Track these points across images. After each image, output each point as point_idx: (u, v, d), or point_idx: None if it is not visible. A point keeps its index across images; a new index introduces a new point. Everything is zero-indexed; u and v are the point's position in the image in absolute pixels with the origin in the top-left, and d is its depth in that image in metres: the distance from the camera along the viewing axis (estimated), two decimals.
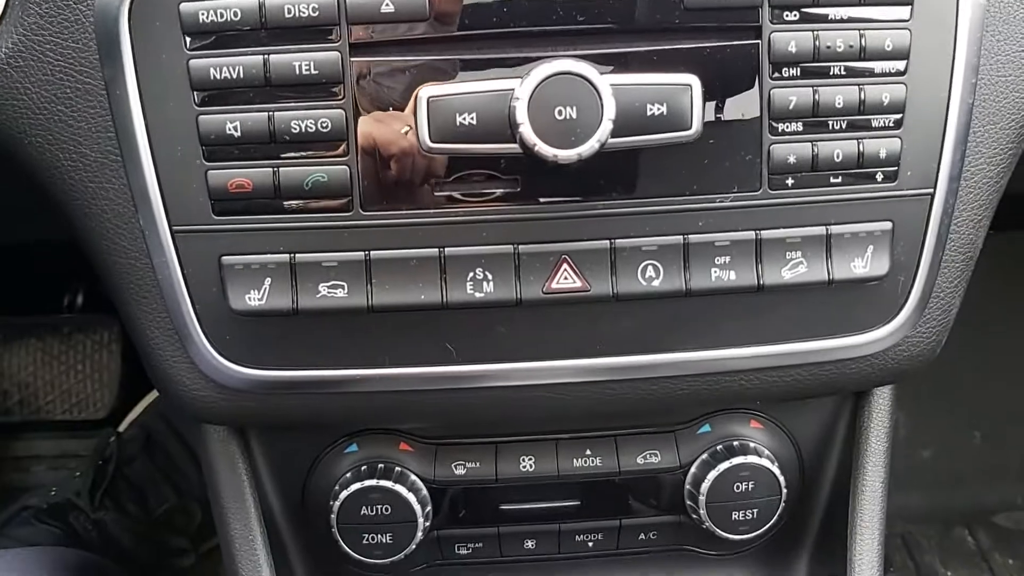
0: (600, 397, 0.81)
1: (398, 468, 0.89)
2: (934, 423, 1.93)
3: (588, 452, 0.90)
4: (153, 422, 1.72)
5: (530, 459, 0.90)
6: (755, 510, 0.89)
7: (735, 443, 0.90)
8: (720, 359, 0.79)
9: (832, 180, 0.75)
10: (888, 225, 0.77)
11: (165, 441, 1.69)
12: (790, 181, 0.75)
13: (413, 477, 0.89)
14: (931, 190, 0.77)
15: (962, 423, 1.93)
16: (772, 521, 0.91)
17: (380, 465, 0.89)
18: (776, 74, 0.73)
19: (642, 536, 0.94)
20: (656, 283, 0.76)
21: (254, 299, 0.75)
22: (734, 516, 0.89)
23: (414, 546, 0.89)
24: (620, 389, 0.81)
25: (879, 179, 0.76)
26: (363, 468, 0.89)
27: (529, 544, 0.94)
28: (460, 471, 0.90)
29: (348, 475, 0.89)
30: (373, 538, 0.88)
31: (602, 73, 0.68)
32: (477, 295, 0.75)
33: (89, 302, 1.92)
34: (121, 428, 1.74)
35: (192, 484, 1.66)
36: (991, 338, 1.93)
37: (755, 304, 0.78)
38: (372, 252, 0.74)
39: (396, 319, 0.77)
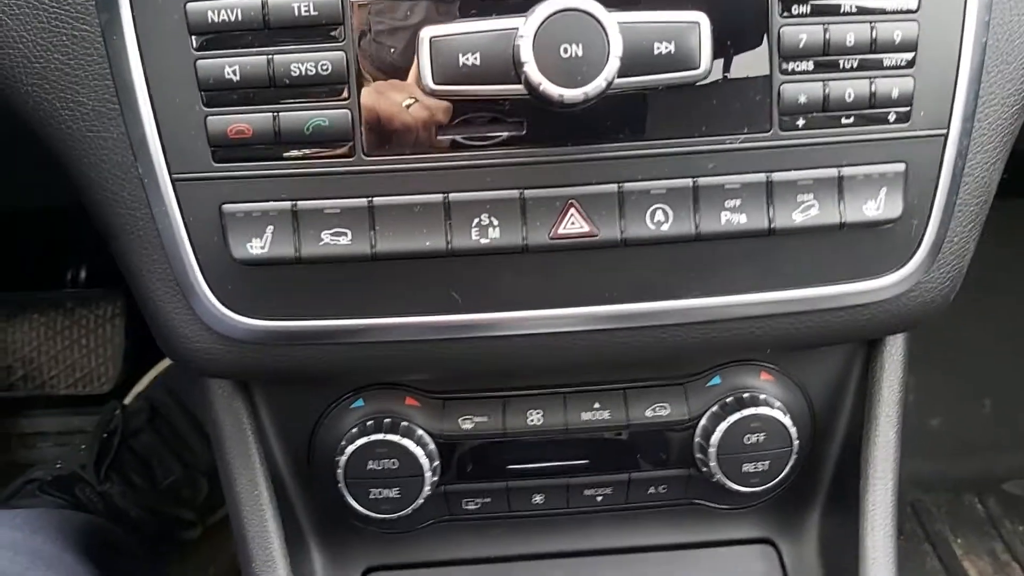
0: (608, 346, 0.80)
1: (405, 422, 0.88)
2: (944, 391, 1.92)
3: (597, 405, 0.89)
4: (158, 395, 1.71)
5: (538, 413, 0.89)
6: (766, 462, 0.88)
7: (745, 395, 0.89)
8: (730, 305, 0.78)
9: (844, 121, 0.74)
10: (901, 167, 0.75)
11: (170, 414, 1.68)
12: (801, 122, 0.74)
13: (420, 431, 0.88)
14: (944, 131, 0.76)
15: (972, 392, 1.93)
16: (783, 474, 0.90)
17: (387, 420, 0.88)
18: (785, 12, 0.71)
19: (651, 490, 0.93)
20: (665, 227, 0.74)
21: (256, 247, 0.74)
22: (745, 468, 0.88)
23: (421, 500, 0.88)
24: (629, 338, 0.79)
25: (891, 120, 0.74)
26: (369, 423, 0.88)
27: (537, 499, 0.93)
28: (467, 425, 0.89)
29: (354, 430, 0.88)
30: (380, 492, 0.87)
31: (609, 10, 0.67)
32: (482, 241, 0.74)
33: (92, 277, 1.91)
34: (126, 401, 1.73)
35: (198, 458, 1.65)
36: (1001, 307, 1.92)
37: (766, 249, 0.77)
38: (375, 198, 0.73)
39: (400, 267, 0.75)
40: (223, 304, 0.77)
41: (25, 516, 0.97)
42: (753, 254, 0.77)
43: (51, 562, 0.92)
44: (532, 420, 0.89)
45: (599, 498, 0.93)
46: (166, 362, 1.77)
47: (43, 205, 1.53)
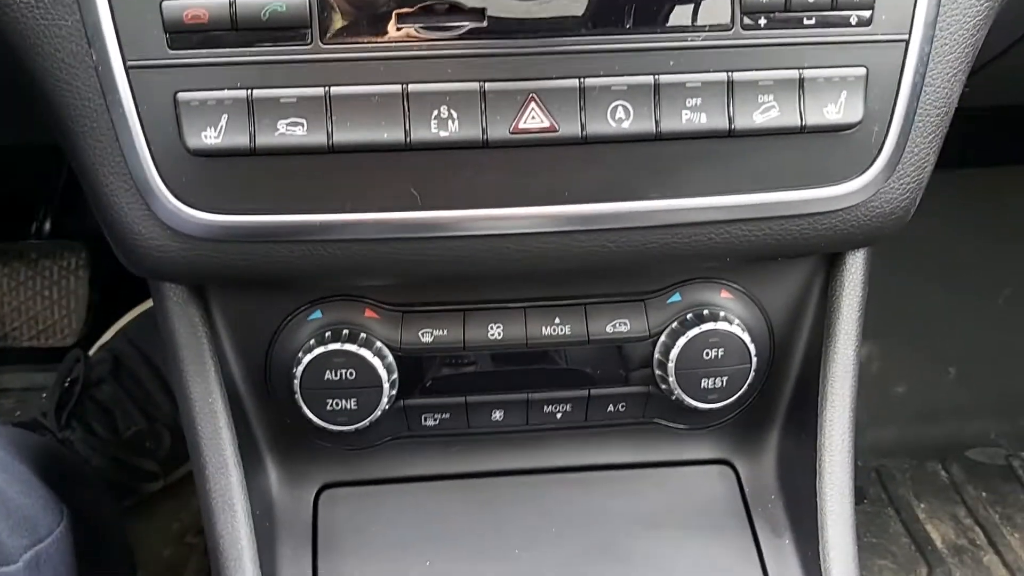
0: (567, 250, 0.79)
1: (363, 334, 0.87)
2: (909, 359, 1.93)
3: (557, 320, 0.89)
4: (122, 347, 1.69)
5: (498, 327, 0.89)
6: (724, 378, 0.88)
7: (705, 311, 0.89)
8: (689, 208, 0.78)
9: (805, 22, 0.74)
10: (862, 71, 0.76)
11: (134, 366, 1.66)
12: (763, 21, 0.74)
13: (379, 343, 0.87)
14: (906, 36, 0.76)
15: (937, 359, 1.94)
16: (741, 391, 0.90)
17: (345, 331, 0.87)
18: None
19: (610, 408, 0.93)
20: (626, 124, 0.74)
21: (210, 137, 0.73)
22: (703, 384, 0.88)
23: (379, 413, 0.87)
24: (588, 241, 0.79)
25: (853, 22, 0.75)
26: (327, 333, 0.87)
27: (497, 416, 0.93)
28: (427, 338, 0.88)
29: (312, 341, 0.87)
30: (337, 403, 0.87)
31: None
32: (442, 134, 0.73)
33: (57, 228, 1.89)
34: (90, 353, 1.71)
35: (161, 411, 1.63)
36: (966, 275, 1.94)
37: (726, 152, 0.77)
38: (332, 87, 0.72)
39: (359, 161, 0.75)
40: (177, 198, 0.76)
41: None
42: (714, 157, 0.77)
43: (3, 464, 0.90)
44: (492, 334, 0.89)
45: (558, 415, 0.93)
46: (131, 315, 1.75)
47: (4, 145, 1.51)
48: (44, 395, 1.63)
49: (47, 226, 1.88)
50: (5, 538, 0.83)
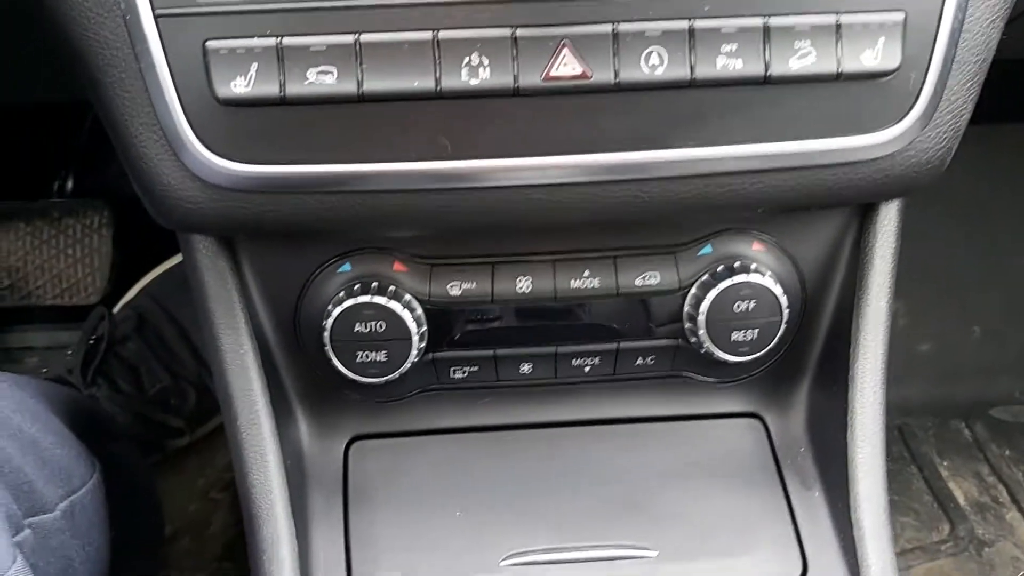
0: (599, 201, 0.78)
1: (392, 287, 0.87)
2: (934, 317, 1.92)
3: (586, 273, 0.88)
4: (146, 304, 1.70)
5: (527, 279, 0.88)
6: (755, 331, 0.88)
7: (736, 263, 0.88)
8: (723, 157, 0.77)
9: None
10: (900, 15, 0.74)
11: (158, 324, 1.67)
12: None
13: (408, 296, 0.87)
14: None
15: (962, 318, 1.93)
16: (772, 344, 0.89)
17: (374, 283, 0.86)
18: None
19: (639, 361, 0.93)
20: (660, 71, 0.73)
21: (240, 86, 0.72)
22: (734, 337, 0.88)
23: (408, 366, 0.87)
24: (620, 191, 0.78)
25: None
26: (356, 286, 0.86)
27: (525, 368, 0.92)
28: (455, 291, 0.88)
29: (341, 293, 0.87)
30: (367, 356, 0.87)
31: None
32: (472, 82, 0.72)
33: (79, 187, 1.89)
34: (114, 311, 1.72)
35: (186, 367, 1.64)
36: (993, 233, 1.92)
37: (761, 99, 0.75)
38: (362, 35, 0.71)
39: (389, 110, 0.74)
40: (206, 148, 0.75)
41: (10, 377, 0.96)
42: (749, 104, 0.75)
43: (36, 415, 0.90)
44: (521, 287, 0.88)
45: (587, 369, 0.93)
46: (154, 273, 1.75)
47: (28, 103, 1.51)
48: (69, 353, 1.64)
49: (69, 184, 1.88)
50: (42, 487, 0.84)
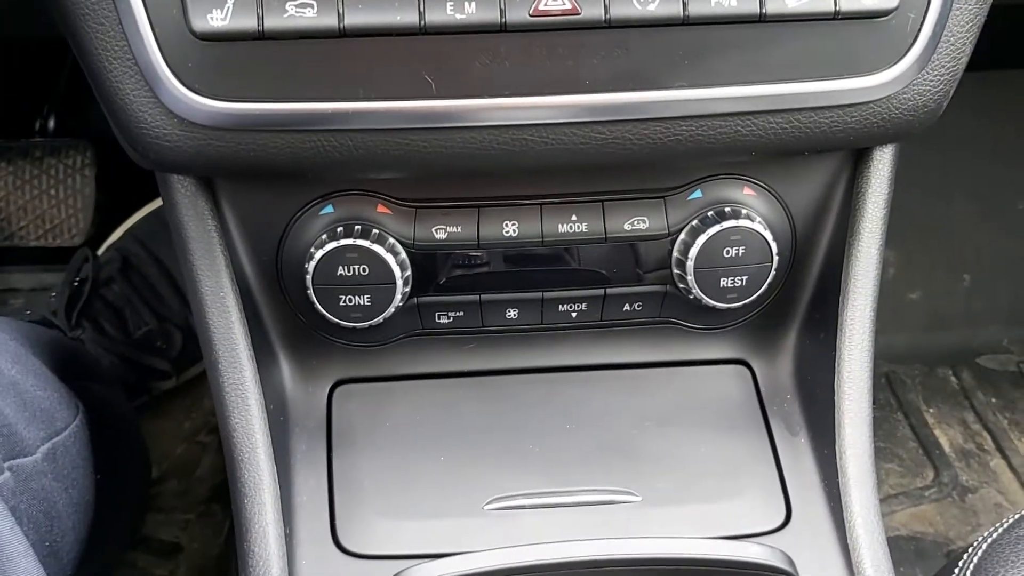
0: (588, 143, 0.76)
1: (376, 230, 0.85)
2: (923, 266, 1.91)
3: (573, 217, 0.87)
4: (130, 247, 1.67)
5: (513, 223, 0.87)
6: (744, 277, 0.87)
7: (726, 208, 0.86)
8: (716, 98, 0.75)
9: None
10: None
11: (143, 266, 1.65)
12: None
13: (392, 239, 0.85)
14: None
15: (951, 266, 1.92)
16: (761, 290, 0.88)
17: (357, 226, 0.85)
18: None
19: (626, 307, 0.92)
20: (652, 7, 0.71)
21: (217, 19, 0.70)
22: (722, 283, 0.87)
23: (392, 310, 0.86)
24: (609, 133, 0.76)
25: None
26: (339, 229, 0.85)
27: (511, 314, 0.91)
28: (441, 235, 0.86)
29: (324, 236, 0.85)
30: (350, 300, 0.85)
31: None
32: (458, 16, 0.70)
33: (60, 127, 1.85)
34: (98, 253, 1.70)
35: (172, 310, 1.63)
36: (984, 182, 1.91)
37: (756, 39, 0.73)
38: None
39: (371, 46, 0.72)
40: (184, 84, 0.73)
41: None
42: (743, 44, 0.73)
43: (16, 357, 0.89)
44: (507, 231, 0.87)
45: (574, 314, 0.92)
46: (138, 215, 1.73)
47: (7, 39, 1.47)
48: (53, 295, 1.63)
49: (51, 124, 1.85)
50: (22, 429, 0.83)
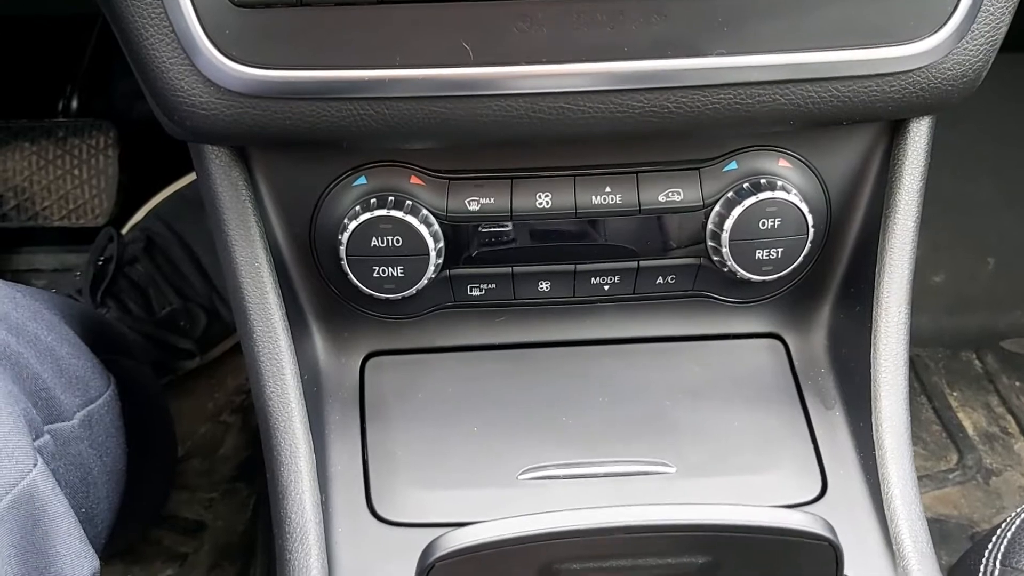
0: (624, 111, 0.76)
1: (409, 201, 0.85)
2: (948, 248, 1.90)
3: (607, 189, 0.86)
4: (154, 226, 1.68)
5: (546, 195, 0.86)
6: (779, 249, 0.86)
7: (762, 180, 0.86)
8: (755, 66, 0.74)
9: None
10: None
11: (167, 246, 1.65)
12: None
13: (425, 211, 0.85)
14: None
15: (976, 249, 1.91)
16: (796, 263, 0.87)
17: (390, 197, 0.85)
18: None
19: (659, 280, 0.91)
20: None
21: None
22: (757, 255, 0.86)
23: (425, 282, 0.86)
24: (647, 101, 0.76)
25: None
26: (372, 200, 0.85)
27: (544, 287, 0.91)
28: (473, 206, 0.86)
29: (357, 207, 0.85)
30: (384, 271, 0.85)
31: None
32: None
33: (84, 107, 1.86)
34: (123, 232, 1.71)
35: (196, 290, 1.63)
36: (1009, 164, 1.89)
37: (796, 6, 0.73)
38: None
39: (409, 13, 0.72)
40: (221, 52, 0.73)
41: (26, 289, 0.94)
42: (783, 11, 0.73)
43: (51, 325, 0.89)
44: (540, 202, 0.86)
45: (606, 287, 0.91)
46: (161, 196, 1.73)
47: (32, 16, 1.47)
48: (77, 275, 1.63)
49: (74, 104, 1.85)
50: (60, 394, 0.84)
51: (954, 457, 1.68)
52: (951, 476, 1.65)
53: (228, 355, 1.72)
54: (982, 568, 0.83)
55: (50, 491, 0.72)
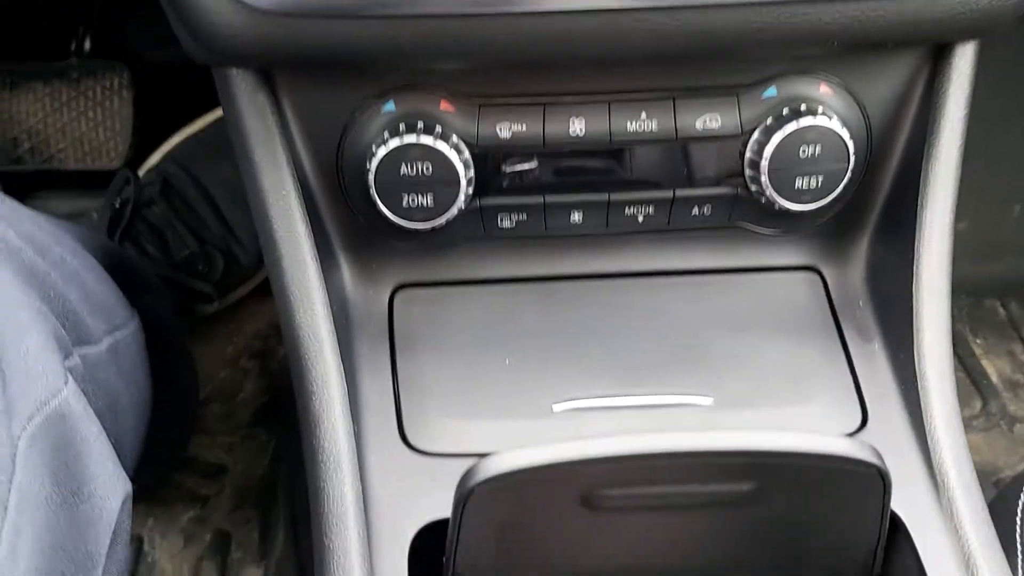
0: (663, 30, 0.73)
1: (439, 127, 0.82)
2: (973, 195, 1.86)
3: (643, 115, 0.84)
4: (171, 169, 1.66)
5: (580, 121, 0.84)
6: (819, 177, 0.84)
7: (802, 106, 0.83)
8: None
9: None
10: None
11: (183, 188, 1.63)
12: None
13: (455, 138, 0.83)
14: None
15: (1002, 196, 1.88)
16: (836, 192, 0.85)
17: (420, 123, 0.82)
18: None
19: (695, 210, 0.89)
20: None
21: None
22: (797, 184, 0.84)
23: (456, 211, 0.84)
24: (686, 18, 0.73)
25: None
26: (401, 126, 0.82)
27: (576, 218, 0.89)
28: (505, 133, 0.84)
29: (385, 133, 0.83)
30: (413, 199, 0.83)
31: None
32: None
33: (97, 49, 1.83)
34: (139, 174, 1.69)
35: (213, 233, 1.62)
36: None
37: None
38: None
39: None
40: None
41: (48, 216, 0.93)
42: None
43: (76, 251, 0.87)
44: (573, 129, 0.84)
45: (640, 218, 0.89)
46: (177, 137, 1.71)
47: None
48: (94, 216, 1.62)
49: (87, 45, 1.82)
50: (87, 318, 0.82)
51: (978, 404, 1.67)
52: (975, 423, 1.64)
53: (246, 300, 1.71)
54: (1021, 501, 0.83)
55: (82, 410, 0.71)
